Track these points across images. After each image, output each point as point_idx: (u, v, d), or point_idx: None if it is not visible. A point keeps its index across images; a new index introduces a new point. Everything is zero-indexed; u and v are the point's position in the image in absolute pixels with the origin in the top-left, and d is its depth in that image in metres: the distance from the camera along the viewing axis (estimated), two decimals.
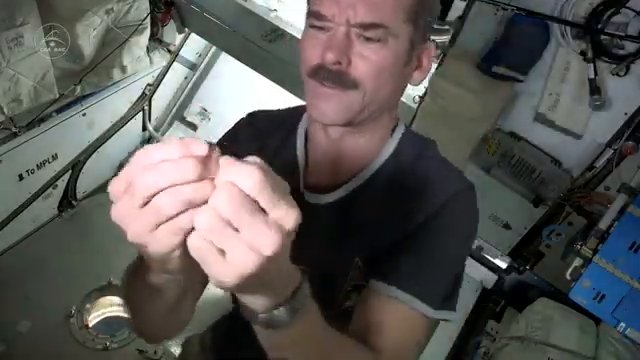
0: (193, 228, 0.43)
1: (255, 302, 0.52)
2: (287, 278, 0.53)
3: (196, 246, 0.43)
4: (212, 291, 0.68)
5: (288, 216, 0.44)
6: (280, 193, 0.43)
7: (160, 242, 0.45)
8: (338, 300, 0.86)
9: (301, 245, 0.87)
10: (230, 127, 1.02)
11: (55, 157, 2.35)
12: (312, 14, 0.77)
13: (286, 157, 0.92)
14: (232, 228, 0.42)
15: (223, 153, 0.44)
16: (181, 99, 3.14)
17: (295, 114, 0.96)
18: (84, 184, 2.67)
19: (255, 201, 0.42)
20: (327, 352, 0.65)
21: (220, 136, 1.01)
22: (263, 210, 0.43)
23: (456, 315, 0.84)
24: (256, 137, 0.96)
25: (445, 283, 0.81)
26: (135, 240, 0.45)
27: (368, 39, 0.74)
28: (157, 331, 0.81)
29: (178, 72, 2.96)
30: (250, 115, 1.01)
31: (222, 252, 0.43)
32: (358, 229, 0.84)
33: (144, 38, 2.43)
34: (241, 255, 0.42)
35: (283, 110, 1.01)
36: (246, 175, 0.42)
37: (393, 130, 0.90)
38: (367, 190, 0.86)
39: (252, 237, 0.42)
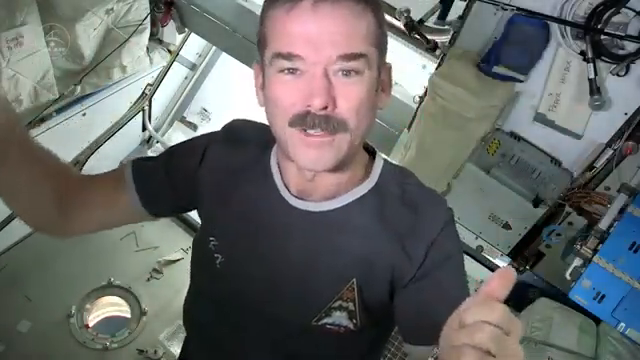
0: None
1: None
2: None
3: None
4: None
5: (521, 330, 0.52)
6: (514, 320, 0.51)
7: None
8: (317, 312, 0.85)
9: (285, 247, 0.86)
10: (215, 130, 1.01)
11: None
12: (280, 56, 0.72)
13: (262, 167, 0.91)
14: (487, 355, 0.49)
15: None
16: (181, 99, 3.14)
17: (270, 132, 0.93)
18: None
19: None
20: None
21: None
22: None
23: None
24: (232, 143, 0.95)
25: None
26: None
27: (347, 73, 0.71)
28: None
29: (178, 72, 2.96)
30: (231, 122, 1.00)
31: None
32: (353, 247, 0.84)
33: (144, 38, 2.43)
34: None
35: (261, 125, 0.95)
36: (495, 312, 0.50)
37: (373, 158, 0.90)
38: (358, 209, 0.85)
39: (508, 357, 0.50)
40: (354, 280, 0.83)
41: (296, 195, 0.86)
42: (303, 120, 0.72)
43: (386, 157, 0.93)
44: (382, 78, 0.80)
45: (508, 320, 0.50)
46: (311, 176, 0.82)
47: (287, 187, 0.87)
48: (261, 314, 0.90)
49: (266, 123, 0.85)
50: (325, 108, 0.71)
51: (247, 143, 0.94)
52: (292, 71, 0.72)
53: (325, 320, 0.86)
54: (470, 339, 0.50)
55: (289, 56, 0.71)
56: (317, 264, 0.85)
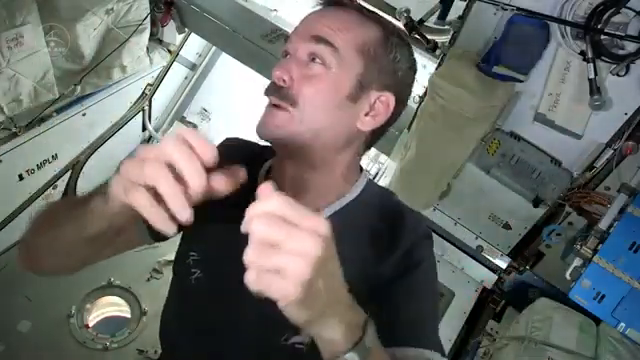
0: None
1: (334, 337, 0.58)
2: (349, 304, 0.59)
3: (253, 278, 0.51)
4: None
5: (319, 223, 0.51)
6: (304, 211, 0.51)
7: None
8: (285, 329, 0.83)
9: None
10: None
11: (55, 157, 2.34)
12: (284, 53, 0.84)
13: (249, 184, 0.91)
14: (274, 247, 0.49)
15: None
16: (181, 99, 3.14)
17: (265, 151, 0.97)
18: (84, 184, 2.67)
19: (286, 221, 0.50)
20: None
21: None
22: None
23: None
24: (224, 161, 0.96)
25: (437, 328, 0.85)
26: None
27: (313, 59, 0.79)
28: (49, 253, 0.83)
29: (178, 72, 2.96)
30: (224, 141, 1.03)
31: (277, 272, 0.49)
32: None
33: (144, 38, 2.43)
34: (292, 264, 0.49)
35: (259, 145, 1.01)
36: (269, 201, 0.50)
37: (357, 178, 0.92)
38: (338, 221, 0.85)
39: (295, 245, 0.49)
40: None
41: None
42: (267, 89, 0.81)
43: (371, 178, 0.97)
44: (373, 102, 0.83)
45: (289, 210, 0.50)
46: (292, 172, 0.85)
47: None
48: (230, 333, 0.88)
49: (258, 142, 0.92)
50: (282, 80, 0.79)
51: (241, 159, 0.94)
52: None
53: (294, 339, 0.84)
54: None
55: (285, 53, 0.83)
56: None
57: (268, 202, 0.51)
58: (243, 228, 0.52)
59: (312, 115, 0.79)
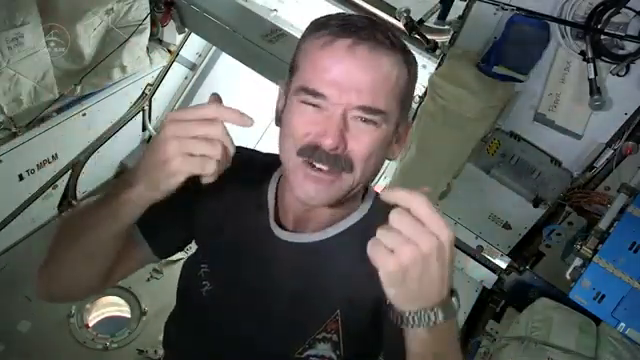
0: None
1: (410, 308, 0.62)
2: (439, 291, 0.60)
3: (371, 247, 0.58)
4: None
5: (443, 230, 0.57)
6: (437, 217, 0.57)
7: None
8: (301, 344, 0.84)
9: (273, 278, 0.86)
10: None
11: (55, 157, 2.34)
12: (306, 91, 0.73)
13: (257, 197, 0.91)
14: (398, 232, 0.57)
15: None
16: (181, 99, 3.13)
17: (274, 162, 0.93)
18: (84, 184, 2.67)
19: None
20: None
21: None
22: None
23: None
24: (232, 172, 0.95)
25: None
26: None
27: (365, 121, 0.73)
28: (68, 278, 0.88)
29: (178, 72, 2.96)
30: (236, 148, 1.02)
31: (391, 251, 0.57)
32: (339, 278, 0.84)
33: (144, 38, 2.43)
34: (402, 246, 0.56)
35: (264, 154, 1.00)
36: (414, 200, 0.57)
37: (364, 195, 0.91)
38: (345, 240, 0.85)
39: (412, 236, 0.56)
40: (338, 311, 0.83)
41: (292, 225, 0.87)
42: (312, 152, 0.73)
43: (378, 191, 0.94)
44: (399, 131, 0.82)
45: (425, 211, 0.56)
46: (309, 206, 0.82)
47: (281, 218, 0.88)
48: (243, 346, 0.88)
49: (266, 152, 0.91)
50: (336, 149, 0.72)
51: (247, 172, 0.93)
52: (313, 105, 0.73)
53: (309, 352, 0.84)
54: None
55: (314, 93, 0.72)
56: (302, 296, 0.85)
57: (414, 200, 0.56)
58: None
59: (364, 173, 0.77)
